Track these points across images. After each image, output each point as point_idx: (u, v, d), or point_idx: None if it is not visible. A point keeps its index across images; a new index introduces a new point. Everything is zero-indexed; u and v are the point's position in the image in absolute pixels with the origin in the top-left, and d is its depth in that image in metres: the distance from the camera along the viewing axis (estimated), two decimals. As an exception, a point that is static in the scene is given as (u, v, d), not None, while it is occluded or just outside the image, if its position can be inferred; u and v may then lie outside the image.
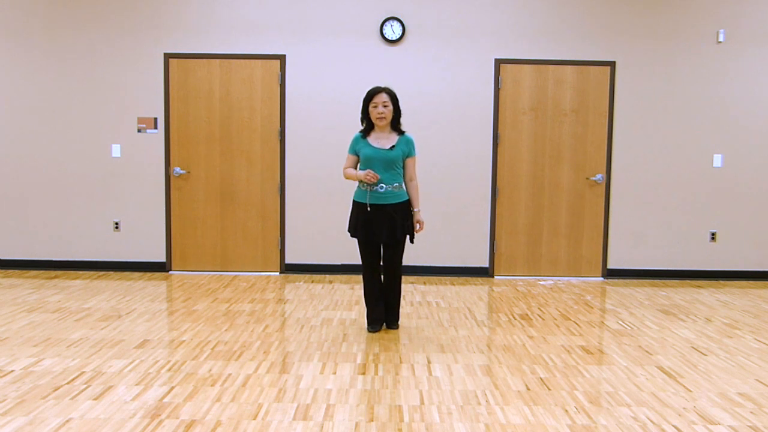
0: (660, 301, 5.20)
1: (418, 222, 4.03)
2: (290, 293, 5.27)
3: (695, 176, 6.08)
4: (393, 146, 3.92)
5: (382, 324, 4.20)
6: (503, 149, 6.01)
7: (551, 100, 5.97)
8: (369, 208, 3.91)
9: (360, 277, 5.77)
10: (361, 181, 3.96)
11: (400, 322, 4.38)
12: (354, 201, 4.04)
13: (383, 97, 3.89)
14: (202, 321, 4.37)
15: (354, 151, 4.03)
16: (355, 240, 4.32)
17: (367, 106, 3.95)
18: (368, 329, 4.15)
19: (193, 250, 6.06)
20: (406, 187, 4.03)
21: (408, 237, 4.06)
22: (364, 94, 4.02)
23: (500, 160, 6.01)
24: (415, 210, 4.02)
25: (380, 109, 3.89)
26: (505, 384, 3.27)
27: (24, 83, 5.93)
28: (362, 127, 4.04)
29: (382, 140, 3.95)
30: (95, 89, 5.93)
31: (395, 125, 4.00)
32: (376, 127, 3.98)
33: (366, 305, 4.19)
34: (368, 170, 3.87)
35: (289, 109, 5.95)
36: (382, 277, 4.16)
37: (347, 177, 4.08)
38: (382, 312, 4.19)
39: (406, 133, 4.03)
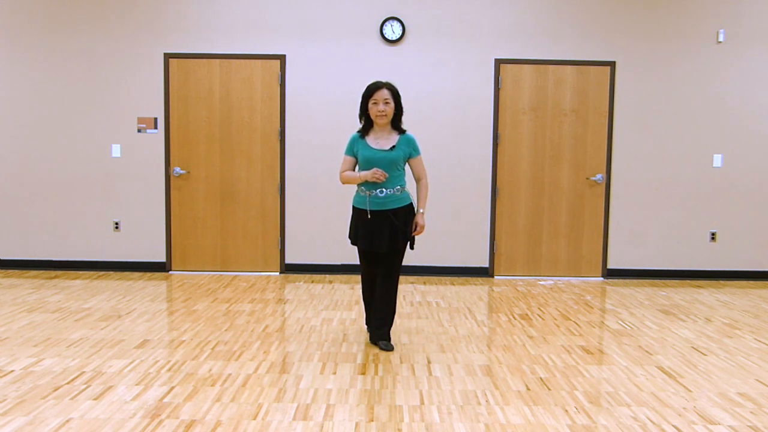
0: (660, 301, 5.21)
1: (416, 223, 3.73)
2: (290, 293, 5.27)
3: (695, 176, 6.08)
4: (393, 147, 3.66)
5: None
6: (503, 149, 6.01)
7: (551, 100, 5.97)
8: (369, 215, 3.66)
9: (359, 277, 5.77)
10: (360, 185, 3.72)
11: (396, 326, 4.30)
12: (354, 207, 3.78)
13: (384, 93, 3.61)
14: (202, 321, 4.37)
15: (352, 152, 3.74)
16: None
17: (367, 103, 3.66)
18: (370, 339, 3.96)
19: (193, 250, 6.06)
20: (416, 187, 3.79)
21: (408, 244, 3.77)
22: (364, 90, 3.73)
23: (500, 160, 6.01)
24: (420, 211, 3.74)
25: (381, 107, 3.60)
26: (505, 384, 3.27)
27: (24, 83, 5.93)
28: (361, 126, 3.76)
29: (382, 140, 3.68)
30: (95, 89, 5.94)
31: (396, 124, 3.72)
32: (375, 126, 3.70)
33: (366, 312, 4.03)
34: (375, 168, 3.60)
35: (289, 109, 5.95)
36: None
37: (346, 181, 3.77)
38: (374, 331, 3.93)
39: (407, 132, 3.75)
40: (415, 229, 3.76)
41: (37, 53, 5.91)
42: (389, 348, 3.77)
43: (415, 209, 3.79)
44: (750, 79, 6.01)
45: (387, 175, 3.62)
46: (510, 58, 5.94)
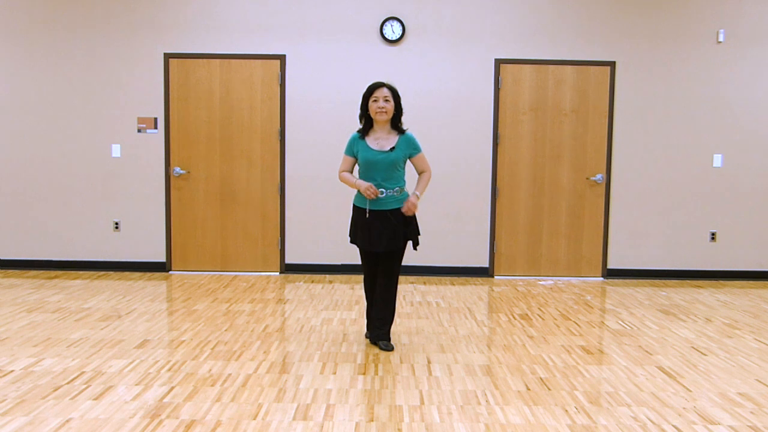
0: (660, 301, 5.21)
1: (408, 200, 3.69)
2: (290, 293, 5.27)
3: (695, 176, 6.08)
4: (393, 148, 3.68)
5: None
6: (503, 149, 6.01)
7: (551, 100, 5.97)
8: (368, 215, 3.69)
9: (361, 277, 5.77)
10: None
11: (396, 326, 4.30)
12: (354, 205, 3.81)
13: (384, 91, 3.66)
14: (202, 321, 4.37)
15: (351, 152, 3.78)
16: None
17: (367, 102, 3.70)
18: (366, 335, 4.00)
19: (193, 250, 6.06)
20: (418, 177, 3.82)
21: (411, 243, 3.83)
22: (364, 90, 3.76)
23: (500, 160, 6.01)
24: (415, 193, 3.72)
25: (381, 104, 3.64)
26: (505, 384, 3.27)
27: (24, 83, 5.93)
28: (360, 126, 3.81)
29: (382, 141, 3.71)
30: (95, 89, 5.94)
31: (395, 124, 3.75)
32: (375, 125, 3.73)
33: (367, 313, 4.00)
34: (370, 185, 3.63)
35: (289, 109, 5.95)
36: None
37: (343, 181, 3.81)
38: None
39: (407, 132, 3.77)
40: (406, 208, 3.70)
41: (37, 53, 5.91)
42: (389, 348, 3.78)
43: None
44: (750, 79, 6.01)
45: (378, 194, 3.64)
46: (510, 58, 5.94)
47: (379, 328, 3.83)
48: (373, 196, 3.62)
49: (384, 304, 3.80)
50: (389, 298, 3.81)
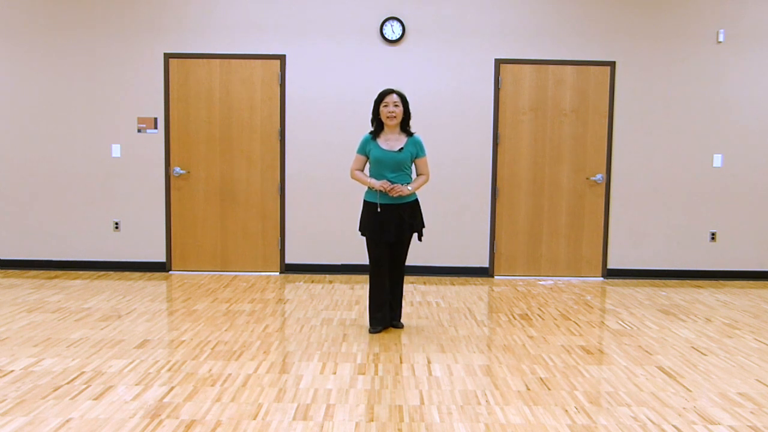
0: (660, 301, 5.21)
1: (400, 185, 3.96)
2: (290, 293, 5.27)
3: (695, 176, 6.08)
4: (402, 148, 4.01)
5: (385, 326, 4.18)
6: (503, 149, 6.01)
7: (551, 100, 5.97)
8: (380, 209, 3.99)
9: (361, 277, 5.78)
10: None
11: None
12: (365, 201, 4.11)
13: (394, 97, 4.00)
14: (202, 321, 4.37)
15: (364, 152, 4.10)
16: (355, 239, 4.25)
17: (378, 107, 4.03)
18: (370, 330, 4.13)
19: (193, 250, 6.06)
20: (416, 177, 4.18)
21: (416, 235, 4.16)
22: (376, 96, 4.08)
23: (500, 160, 6.01)
24: (408, 186, 4.00)
25: (391, 108, 3.98)
26: (505, 384, 3.27)
27: (24, 84, 5.93)
28: (372, 129, 4.11)
29: (392, 142, 4.03)
30: (95, 89, 5.93)
31: (404, 126, 4.08)
32: (385, 128, 4.05)
33: (370, 305, 4.16)
34: (384, 182, 3.95)
35: (289, 109, 5.95)
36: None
37: (356, 179, 4.15)
38: (387, 314, 4.16)
39: (414, 135, 4.11)
40: (391, 187, 3.97)
41: (37, 53, 5.91)
42: (400, 326, 4.24)
43: (418, 201, 4.15)
44: (750, 79, 6.01)
45: (393, 188, 3.94)
46: (510, 58, 5.94)
47: (393, 310, 4.23)
48: (387, 186, 3.94)
49: (397, 286, 4.21)
50: (400, 281, 4.23)
